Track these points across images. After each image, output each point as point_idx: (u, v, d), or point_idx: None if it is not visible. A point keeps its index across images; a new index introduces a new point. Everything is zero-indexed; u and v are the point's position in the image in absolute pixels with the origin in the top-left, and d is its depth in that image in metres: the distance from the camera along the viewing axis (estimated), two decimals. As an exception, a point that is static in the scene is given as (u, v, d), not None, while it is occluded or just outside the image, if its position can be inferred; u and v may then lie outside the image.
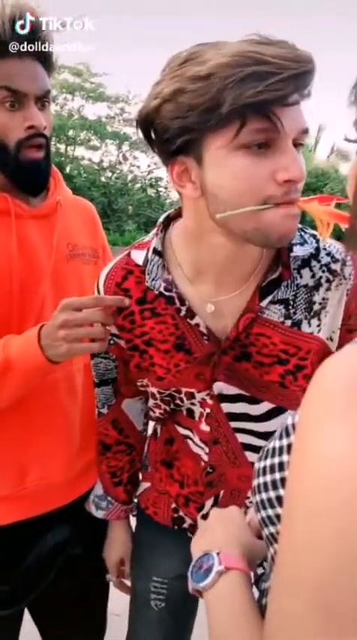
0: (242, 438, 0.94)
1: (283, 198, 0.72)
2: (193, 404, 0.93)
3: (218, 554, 0.56)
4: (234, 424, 0.93)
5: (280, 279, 0.87)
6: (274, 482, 0.48)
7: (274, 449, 0.49)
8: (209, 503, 0.99)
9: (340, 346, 0.92)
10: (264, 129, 0.69)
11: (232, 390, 0.91)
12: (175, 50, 0.74)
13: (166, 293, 0.88)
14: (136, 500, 1.12)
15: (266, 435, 0.93)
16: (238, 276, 0.87)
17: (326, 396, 0.39)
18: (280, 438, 0.49)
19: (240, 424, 0.93)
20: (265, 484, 0.49)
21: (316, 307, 0.88)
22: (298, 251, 0.88)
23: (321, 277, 0.88)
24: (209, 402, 0.92)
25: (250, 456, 0.95)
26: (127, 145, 17.83)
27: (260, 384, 0.90)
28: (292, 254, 0.88)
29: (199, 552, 0.59)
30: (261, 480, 0.50)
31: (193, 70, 0.69)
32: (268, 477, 0.49)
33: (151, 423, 1.08)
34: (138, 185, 17.75)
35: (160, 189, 18.14)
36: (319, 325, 0.89)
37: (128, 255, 0.92)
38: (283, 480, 0.46)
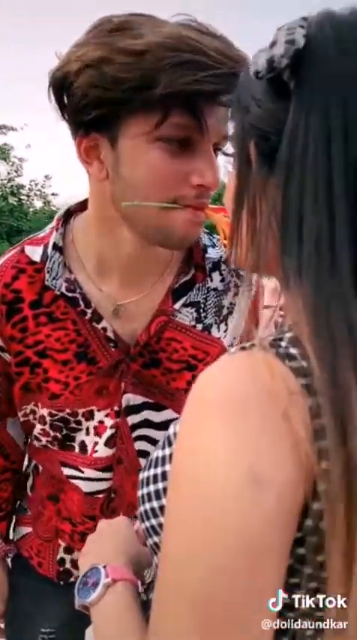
0: (138, 445, 0.87)
1: (193, 201, 0.70)
2: (87, 432, 0.83)
3: (105, 567, 0.55)
4: (134, 434, 0.86)
5: (193, 281, 0.84)
6: (157, 492, 0.48)
7: (157, 459, 0.49)
8: None
9: None
10: (187, 125, 0.66)
11: (138, 399, 0.84)
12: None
13: (69, 294, 0.79)
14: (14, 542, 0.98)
15: None
16: (146, 275, 0.82)
17: (202, 405, 0.41)
18: (163, 447, 0.49)
19: (139, 432, 0.86)
20: (149, 494, 0.49)
21: (224, 312, 0.86)
22: (211, 253, 0.86)
23: (230, 282, 0.86)
24: (109, 422, 0.83)
25: (143, 462, 0.87)
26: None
27: (167, 391, 0.84)
28: (207, 255, 0.85)
29: (85, 567, 0.58)
30: (145, 490, 0.50)
31: (125, 42, 0.63)
32: (152, 487, 0.49)
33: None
34: (-2, 193, 16.95)
35: (22, 197, 17.52)
36: (225, 330, 0.87)
37: (21, 251, 0.81)
38: (166, 490, 0.46)
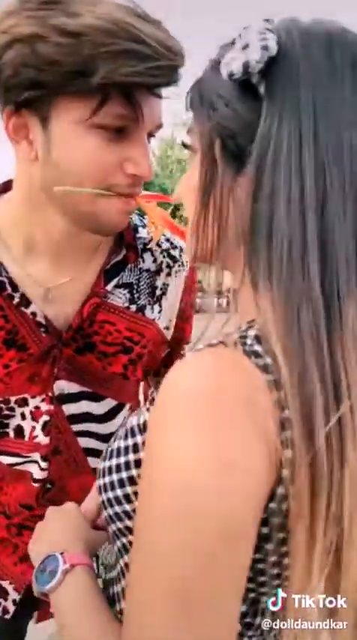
0: (84, 442, 0.85)
1: (126, 189, 0.69)
2: (23, 417, 0.81)
3: (62, 554, 0.56)
4: (76, 427, 0.84)
5: (125, 261, 0.83)
6: (120, 481, 0.49)
7: (119, 449, 0.50)
8: None
9: (175, 337, 0.91)
10: (124, 115, 0.64)
11: (73, 387, 0.82)
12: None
13: None
14: None
15: (108, 437, 0.83)
16: (76, 257, 0.79)
17: (173, 399, 0.42)
18: (126, 438, 0.50)
19: (82, 426, 0.84)
20: (112, 483, 0.50)
21: (158, 292, 0.86)
22: (142, 233, 0.85)
23: (162, 262, 0.86)
24: (45, 407, 0.81)
25: (92, 461, 0.86)
26: None
27: (103, 377, 0.83)
28: (138, 235, 0.84)
29: (39, 555, 0.58)
30: (107, 479, 0.50)
31: (59, 20, 0.59)
32: (115, 476, 0.50)
33: None
34: None
35: None
36: (160, 312, 0.87)
37: None
38: (130, 479, 0.48)
